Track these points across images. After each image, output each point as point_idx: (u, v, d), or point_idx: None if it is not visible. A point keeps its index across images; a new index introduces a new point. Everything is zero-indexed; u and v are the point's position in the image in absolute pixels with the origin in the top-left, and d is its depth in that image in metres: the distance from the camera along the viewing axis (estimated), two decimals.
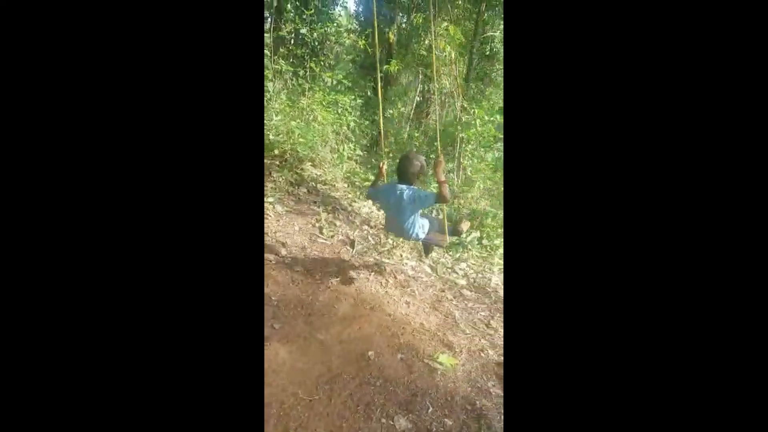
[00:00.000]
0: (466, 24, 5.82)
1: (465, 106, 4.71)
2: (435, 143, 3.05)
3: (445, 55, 4.06)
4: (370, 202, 4.05)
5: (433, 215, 2.69)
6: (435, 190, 2.09)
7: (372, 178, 4.56)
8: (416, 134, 5.93)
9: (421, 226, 2.31)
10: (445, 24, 3.56)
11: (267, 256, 2.58)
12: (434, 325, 2.13)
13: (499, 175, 4.86)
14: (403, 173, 2.18)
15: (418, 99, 6.68)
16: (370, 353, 1.78)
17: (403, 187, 2.16)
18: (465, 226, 2.69)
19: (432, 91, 5.85)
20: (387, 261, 2.93)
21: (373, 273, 2.63)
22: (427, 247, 2.86)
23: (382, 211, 3.98)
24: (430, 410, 1.51)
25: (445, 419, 1.49)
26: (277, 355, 1.70)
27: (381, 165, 2.39)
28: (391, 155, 5.16)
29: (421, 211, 2.30)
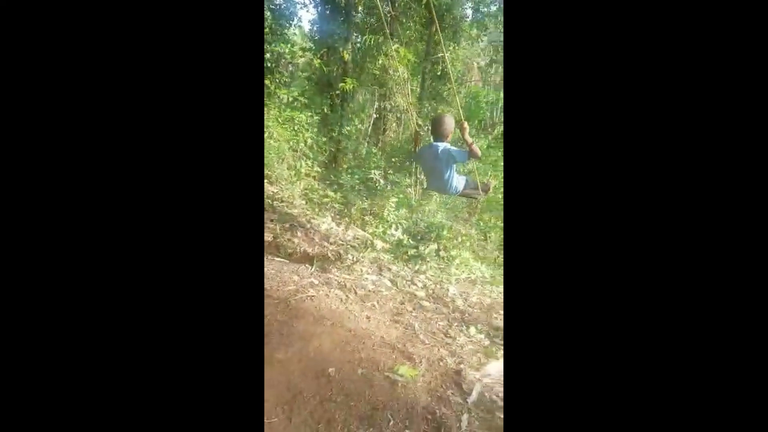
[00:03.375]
0: (418, 45, 6.07)
1: (420, 123, 4.88)
2: (456, 112, 3.21)
3: (398, 75, 4.20)
4: (329, 218, 4.04)
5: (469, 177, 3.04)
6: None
7: (331, 194, 4.59)
8: (374, 150, 6.04)
9: (458, 182, 2.70)
10: (396, 45, 3.71)
11: None
12: (394, 338, 2.16)
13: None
14: (437, 132, 2.55)
15: (375, 116, 6.82)
16: (330, 370, 1.77)
17: (439, 144, 2.52)
18: (492, 183, 3.07)
19: (388, 109, 6.02)
20: (347, 276, 2.93)
21: (332, 289, 2.62)
22: (465, 195, 3.20)
23: (341, 227, 3.98)
24: (391, 423, 1.52)
25: (407, 430, 1.50)
26: None
27: (416, 132, 3.07)
28: (349, 171, 5.20)
29: (456, 169, 2.65)
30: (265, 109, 4.67)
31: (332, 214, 4.10)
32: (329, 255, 3.21)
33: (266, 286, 2.48)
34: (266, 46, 4.42)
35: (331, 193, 4.39)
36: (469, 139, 2.35)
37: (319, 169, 4.91)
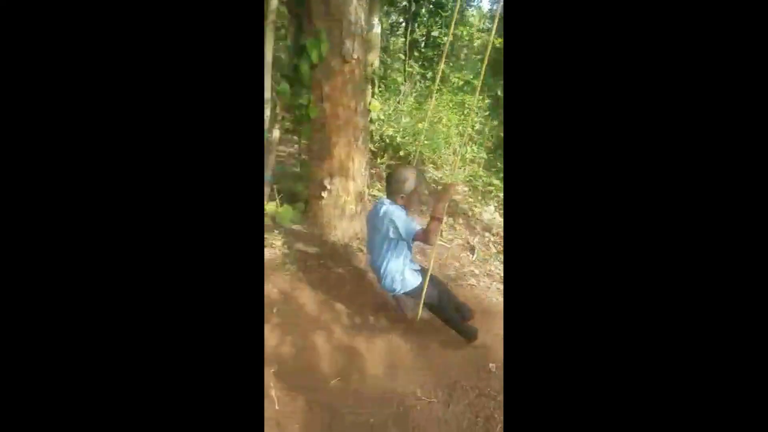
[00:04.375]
0: None
1: None
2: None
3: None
4: (492, 207, 3.90)
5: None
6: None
7: (496, 182, 4.40)
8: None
9: (395, 274, 1.66)
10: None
11: None
12: None
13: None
14: (388, 187, 1.71)
15: None
16: (491, 365, 1.73)
17: (386, 201, 1.67)
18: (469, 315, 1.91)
19: None
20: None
21: (494, 282, 2.54)
22: (399, 304, 1.83)
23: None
24: None
25: None
26: (399, 351, 1.77)
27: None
28: None
29: (411, 256, 1.73)
30: (438, 93, 4.75)
31: (496, 204, 3.95)
32: (491, 246, 3.11)
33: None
34: (447, 30, 4.45)
35: (497, 182, 4.21)
36: (440, 212, 1.49)
37: (485, 156, 4.76)
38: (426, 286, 1.58)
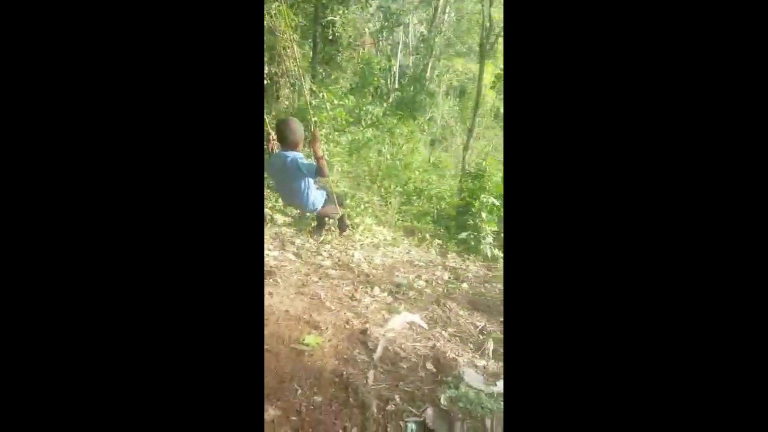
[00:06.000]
0: (306, 7, 5.74)
1: (314, 89, 4.70)
2: (309, 119, 3.13)
3: (286, 37, 3.94)
4: None
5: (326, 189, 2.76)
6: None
7: None
8: (267, 118, 5.68)
9: (316, 196, 2.38)
10: (277, 4, 3.44)
11: None
12: (300, 310, 2.13)
13: (355, 158, 5.05)
14: (284, 139, 2.24)
15: (267, 82, 6.37)
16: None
17: (287, 153, 2.24)
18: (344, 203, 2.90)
19: (279, 74, 5.65)
20: None
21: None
22: (320, 222, 2.89)
23: None
24: (299, 392, 1.53)
25: (315, 396, 1.52)
26: None
27: (270, 137, 2.40)
28: None
29: (314, 182, 2.33)
30: None
31: None
32: None
33: None
34: None
35: None
36: (319, 152, 2.11)
37: None
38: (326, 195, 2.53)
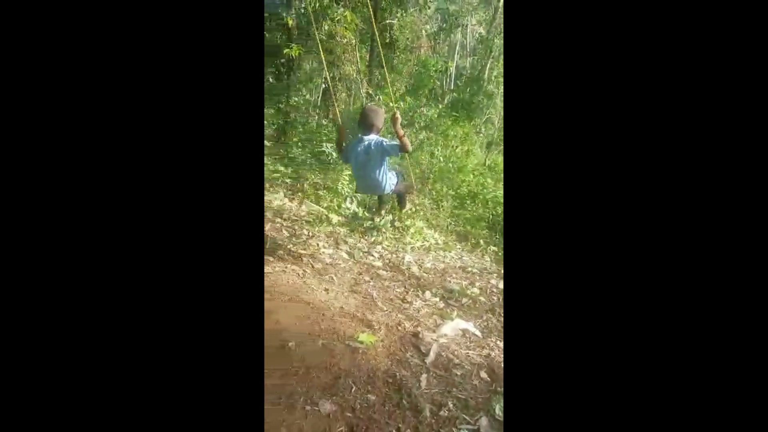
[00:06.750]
0: (364, 11, 5.85)
1: (370, 92, 4.78)
2: (394, 104, 3.26)
3: (346, 42, 4.05)
4: (281, 194, 3.92)
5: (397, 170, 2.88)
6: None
7: (281, 168, 4.42)
8: (324, 122, 5.86)
9: (391, 178, 2.50)
10: (342, 9, 3.54)
11: None
12: (353, 307, 2.18)
13: (408, 161, 5.05)
14: (367, 125, 2.35)
15: (324, 86, 6.58)
16: (290, 344, 1.76)
17: (371, 137, 2.35)
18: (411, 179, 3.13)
19: (337, 78, 5.82)
20: (303, 251, 2.89)
21: (288, 264, 2.58)
22: (401, 198, 3.00)
23: (294, 202, 3.88)
24: (353, 389, 1.56)
25: (369, 395, 1.55)
26: None
27: (341, 128, 2.71)
28: (299, 144, 5.03)
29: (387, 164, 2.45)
30: None
31: (284, 190, 3.98)
32: (284, 231, 3.14)
33: None
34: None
35: (282, 168, 4.24)
36: (401, 131, 2.21)
37: (267, 143, 4.69)
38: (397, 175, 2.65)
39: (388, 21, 6.00)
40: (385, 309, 2.22)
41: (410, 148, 2.34)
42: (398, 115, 2.25)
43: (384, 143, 2.33)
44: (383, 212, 3.22)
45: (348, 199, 4.05)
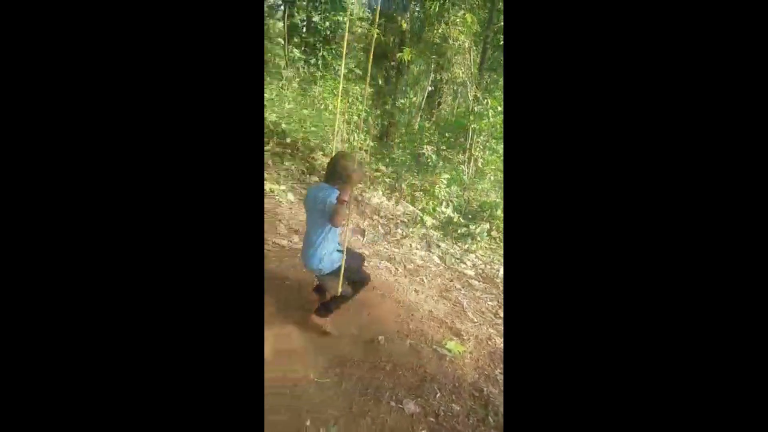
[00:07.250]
0: (481, 13, 5.73)
1: (478, 96, 4.67)
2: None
3: (459, 44, 4.01)
4: (380, 192, 4.06)
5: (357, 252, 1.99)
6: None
7: (383, 168, 4.58)
8: (427, 124, 5.90)
9: (325, 256, 1.70)
10: (462, 12, 3.51)
11: (280, 242, 2.63)
12: (442, 313, 2.16)
13: None
14: (328, 173, 1.72)
15: (430, 89, 6.63)
16: (380, 338, 1.81)
17: (324, 186, 1.69)
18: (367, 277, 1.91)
19: (444, 81, 5.80)
20: (396, 250, 2.95)
21: (382, 261, 2.66)
22: (320, 290, 2.00)
23: (392, 201, 3.99)
24: (438, 395, 1.55)
25: (453, 404, 1.52)
26: (290, 338, 1.74)
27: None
28: (402, 146, 5.14)
29: (339, 239, 1.77)
30: (322, 80, 4.70)
31: (383, 189, 4.11)
32: (380, 228, 3.24)
33: None
34: (324, 15, 4.39)
35: (383, 168, 4.39)
36: (345, 197, 1.54)
37: (372, 143, 4.91)
38: (343, 265, 1.64)
39: (502, 23, 5.78)
40: (475, 321, 2.15)
41: (338, 222, 1.57)
42: (360, 177, 1.75)
43: (329, 197, 1.61)
44: (328, 295, 1.93)
45: (444, 203, 4.02)
